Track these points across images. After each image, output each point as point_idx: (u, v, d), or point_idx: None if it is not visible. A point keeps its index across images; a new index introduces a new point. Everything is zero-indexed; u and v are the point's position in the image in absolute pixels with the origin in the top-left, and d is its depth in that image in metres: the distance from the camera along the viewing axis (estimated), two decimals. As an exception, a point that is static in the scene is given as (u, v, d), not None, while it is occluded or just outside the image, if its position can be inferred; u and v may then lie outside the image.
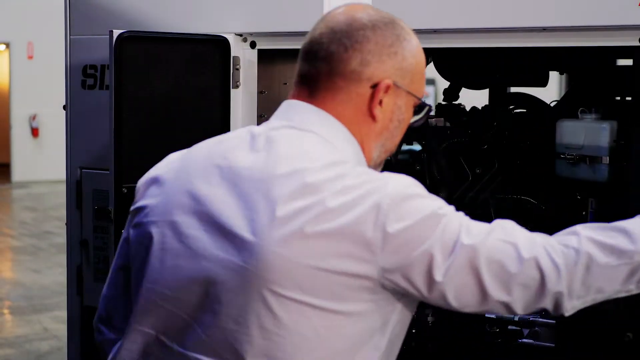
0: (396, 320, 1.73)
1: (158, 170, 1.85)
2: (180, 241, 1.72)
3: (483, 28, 2.84)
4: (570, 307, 1.71)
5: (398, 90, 1.76)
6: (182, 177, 1.77)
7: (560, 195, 3.22)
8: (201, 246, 1.70)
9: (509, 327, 3.06)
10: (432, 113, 3.39)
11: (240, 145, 1.76)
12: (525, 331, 3.00)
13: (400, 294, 1.68)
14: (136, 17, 3.47)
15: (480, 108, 3.54)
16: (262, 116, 3.69)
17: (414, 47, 1.78)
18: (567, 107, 3.38)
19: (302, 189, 1.64)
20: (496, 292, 1.65)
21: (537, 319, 2.98)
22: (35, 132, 15.96)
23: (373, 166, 1.81)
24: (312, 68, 1.76)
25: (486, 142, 3.37)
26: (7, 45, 16.04)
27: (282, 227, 1.63)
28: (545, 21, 2.73)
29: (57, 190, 13.27)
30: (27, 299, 7.66)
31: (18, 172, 15.83)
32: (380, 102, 1.75)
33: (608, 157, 2.77)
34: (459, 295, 1.65)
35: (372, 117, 1.76)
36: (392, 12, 2.96)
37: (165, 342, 1.75)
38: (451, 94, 3.62)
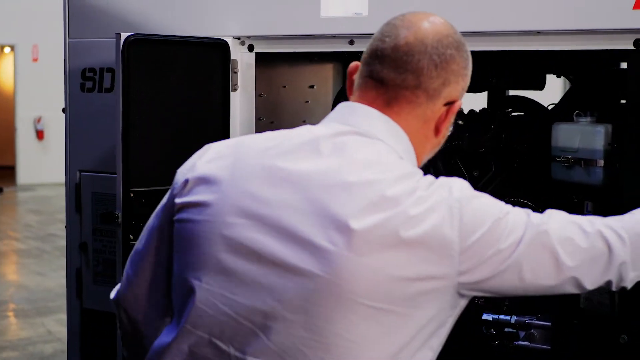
0: (450, 323, 1.79)
1: (206, 167, 1.77)
2: (243, 244, 1.68)
3: (478, 32, 2.85)
4: (632, 278, 1.79)
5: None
6: (239, 176, 1.72)
7: (557, 198, 3.23)
8: (268, 251, 1.66)
9: (505, 329, 3.07)
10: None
11: (302, 148, 1.73)
12: (522, 333, 3.00)
13: (462, 298, 1.75)
14: (135, 21, 3.49)
15: (477, 111, 3.55)
16: (261, 119, 3.72)
17: (470, 70, 1.85)
18: (565, 110, 3.39)
19: (381, 201, 1.64)
20: (570, 269, 1.72)
21: (533, 321, 2.99)
22: (40, 134, 16.00)
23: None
24: (397, 77, 1.75)
25: (483, 145, 3.38)
26: (12, 47, 16.09)
27: (364, 237, 1.62)
28: (540, 25, 2.74)
29: (62, 193, 13.18)
30: (31, 301, 7.68)
31: (23, 175, 15.87)
32: (448, 120, 1.81)
33: (603, 160, 2.78)
34: (535, 275, 1.71)
35: (438, 132, 1.82)
36: (388, 16, 2.98)
37: (220, 346, 1.72)
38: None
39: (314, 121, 4.44)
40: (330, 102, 4.44)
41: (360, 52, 3.08)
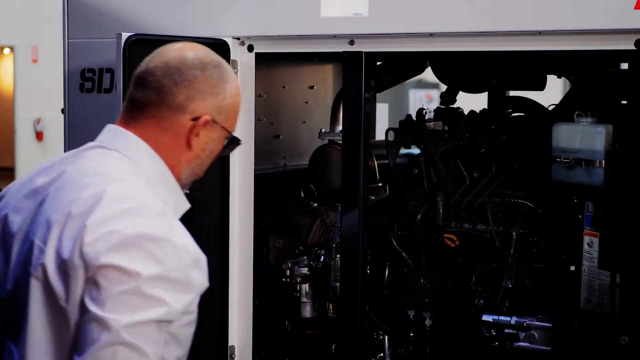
0: None
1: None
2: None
3: (479, 32, 2.85)
4: None
5: (214, 125, 2.02)
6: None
7: (557, 199, 3.22)
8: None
9: (506, 330, 3.06)
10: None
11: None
12: (522, 334, 2.99)
13: None
14: (134, 21, 3.47)
15: (478, 112, 3.54)
16: (260, 120, 3.70)
17: (234, 89, 2.06)
18: (565, 110, 3.38)
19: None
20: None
21: (533, 322, 2.98)
22: (39, 136, 15.96)
23: (182, 185, 2.05)
24: (144, 95, 2.00)
25: (484, 145, 3.37)
26: (12, 49, 16.06)
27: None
28: (541, 25, 2.74)
29: (61, 193, 13.21)
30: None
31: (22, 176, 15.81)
32: (197, 134, 2.00)
33: (604, 161, 2.77)
34: None
35: (189, 145, 2.01)
36: (388, 17, 2.99)
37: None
38: (449, 97, 3.62)
39: (314, 122, 4.48)
40: (330, 103, 4.42)
41: (361, 53, 3.12)
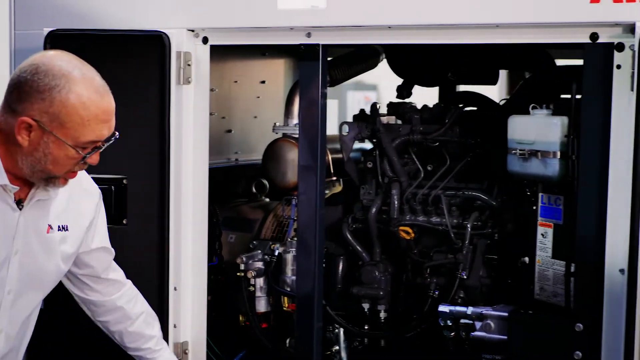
0: None
1: None
2: None
3: (437, 24, 2.87)
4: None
5: (43, 129, 2.27)
6: None
7: (511, 191, 3.27)
8: None
9: (462, 320, 3.09)
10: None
11: None
12: (478, 324, 3.02)
13: None
14: (84, 13, 3.41)
15: (430, 106, 3.57)
16: (212, 114, 3.68)
17: (69, 100, 2.28)
18: (517, 104, 3.43)
19: None
20: None
21: (489, 311, 3.01)
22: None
23: (28, 174, 2.35)
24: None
25: (437, 139, 3.40)
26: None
27: None
28: (499, 18, 2.77)
29: None
30: None
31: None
32: (26, 134, 2.28)
33: (559, 152, 2.81)
34: None
35: (19, 143, 2.29)
36: (346, 9, 2.99)
37: None
38: (405, 91, 3.64)
39: (265, 117, 4.48)
40: (281, 98, 4.42)
41: (318, 45, 3.12)
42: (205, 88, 3.33)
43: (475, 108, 3.56)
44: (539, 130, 2.85)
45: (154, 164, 3.26)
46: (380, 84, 10.69)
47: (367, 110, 3.58)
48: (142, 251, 3.26)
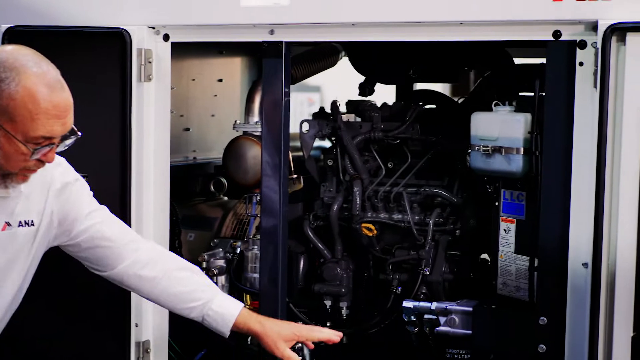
0: None
1: None
2: None
3: (401, 22, 2.89)
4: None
5: None
6: None
7: (473, 188, 3.30)
8: None
9: (426, 316, 3.12)
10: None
11: None
12: (442, 319, 3.05)
13: None
14: (44, 9, 3.36)
15: (390, 104, 3.59)
16: (171, 112, 3.64)
17: (17, 93, 2.26)
18: (475, 102, 3.47)
19: None
20: None
21: (454, 307, 3.04)
22: None
23: None
24: None
25: (399, 136, 3.42)
26: None
27: None
28: (463, 15, 2.80)
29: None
30: None
31: None
32: None
33: (522, 149, 2.85)
34: None
35: None
36: (310, 6, 2.99)
37: None
38: (367, 89, 3.66)
39: (223, 116, 4.46)
40: (238, 97, 4.42)
41: (281, 43, 3.12)
42: (167, 85, 3.31)
43: (433, 106, 3.60)
44: (502, 127, 2.89)
45: (115, 162, 3.23)
46: (324, 85, 10.70)
47: (327, 109, 3.59)
48: (103, 250, 3.22)
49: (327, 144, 3.74)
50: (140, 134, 3.25)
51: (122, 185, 3.22)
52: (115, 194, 3.21)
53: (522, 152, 2.85)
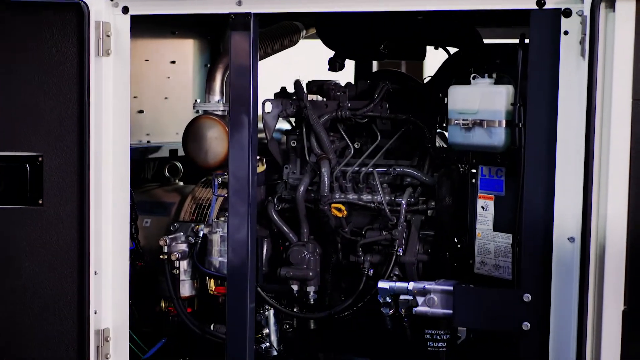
0: None
1: None
2: None
3: (379, -10, 2.79)
4: None
5: None
6: None
7: (445, 166, 3.23)
8: None
9: (402, 297, 3.02)
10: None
11: None
12: (420, 300, 2.96)
13: None
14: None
15: (354, 83, 3.50)
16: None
17: None
18: (440, 81, 3.40)
19: None
20: None
21: (432, 286, 2.95)
22: None
23: None
24: None
25: (367, 115, 3.33)
26: None
27: None
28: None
29: None
30: None
31: None
32: None
33: (504, 121, 2.77)
34: None
35: None
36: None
37: None
38: (337, 63, 3.56)
39: (175, 98, 4.30)
40: (190, 80, 4.28)
41: (249, 14, 2.99)
42: (126, 61, 3.15)
43: (397, 86, 3.51)
44: (483, 99, 2.81)
45: (73, 140, 3.06)
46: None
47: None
48: (60, 233, 3.06)
49: (286, 125, 3.64)
50: (99, 112, 3.09)
51: (80, 165, 3.05)
52: (73, 174, 3.04)
53: (504, 125, 2.77)
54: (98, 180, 3.09)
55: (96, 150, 3.08)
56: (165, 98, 4.12)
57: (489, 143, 2.81)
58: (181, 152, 3.80)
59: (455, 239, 3.15)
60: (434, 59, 3.63)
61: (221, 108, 3.48)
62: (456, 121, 2.86)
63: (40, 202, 3.07)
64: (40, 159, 3.06)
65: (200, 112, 3.52)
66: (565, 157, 2.62)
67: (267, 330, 3.36)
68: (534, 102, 2.67)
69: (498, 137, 2.79)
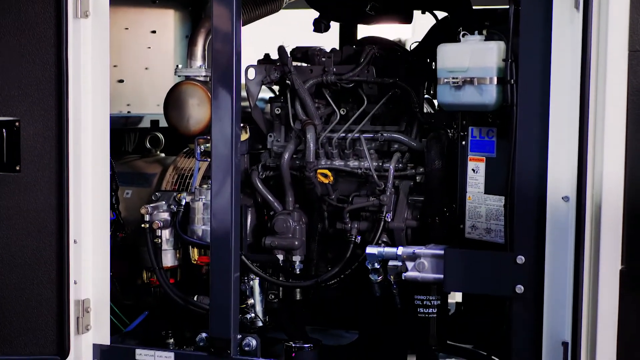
0: None
1: None
2: None
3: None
4: None
5: None
6: None
7: (432, 131, 3.15)
8: None
9: (390, 263, 2.93)
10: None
11: None
12: (409, 265, 2.87)
13: None
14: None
15: (340, 49, 3.41)
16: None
17: None
18: (427, 46, 3.33)
19: None
20: None
21: (422, 250, 2.86)
22: None
23: None
24: None
25: (353, 79, 3.24)
26: None
27: None
28: None
29: None
30: None
31: None
32: None
33: (496, 78, 2.69)
34: None
35: None
36: None
37: None
38: (322, 24, 3.47)
39: (156, 68, 4.21)
40: (171, 50, 4.18)
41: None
42: (105, 23, 3.05)
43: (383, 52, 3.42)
44: (473, 56, 2.72)
45: (50, 105, 2.96)
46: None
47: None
48: (38, 200, 2.96)
49: (268, 93, 3.55)
50: (77, 75, 2.99)
51: (59, 131, 2.95)
52: (52, 139, 2.94)
53: (495, 82, 2.69)
54: (77, 145, 2.99)
55: (75, 115, 2.98)
56: (146, 68, 4.02)
57: (479, 101, 2.72)
58: (162, 123, 3.70)
59: (444, 207, 3.08)
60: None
61: (203, 73, 3.39)
62: (446, 80, 2.77)
63: (17, 168, 2.96)
64: (17, 123, 2.96)
65: (182, 77, 3.42)
66: (559, 113, 2.54)
67: (252, 301, 3.27)
68: (526, 57, 2.59)
69: (489, 94, 2.70)
